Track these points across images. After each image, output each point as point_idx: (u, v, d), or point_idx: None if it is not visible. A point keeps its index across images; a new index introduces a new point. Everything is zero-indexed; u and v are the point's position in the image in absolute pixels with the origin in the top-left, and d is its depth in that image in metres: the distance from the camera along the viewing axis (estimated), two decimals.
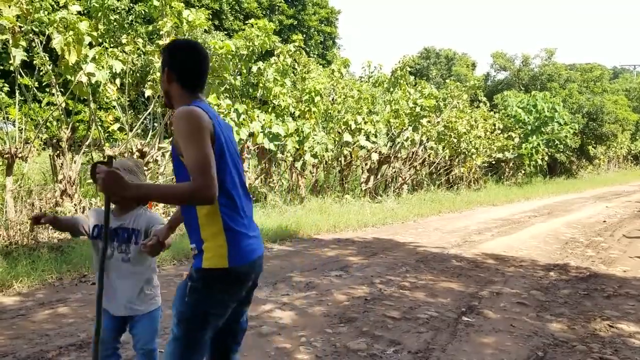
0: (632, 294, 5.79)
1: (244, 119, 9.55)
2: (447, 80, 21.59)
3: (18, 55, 6.58)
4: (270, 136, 9.87)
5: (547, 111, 21.53)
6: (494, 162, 20.59)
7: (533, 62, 29.48)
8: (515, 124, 21.38)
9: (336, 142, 11.95)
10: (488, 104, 21.59)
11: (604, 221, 12.33)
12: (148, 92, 8.43)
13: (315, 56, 23.85)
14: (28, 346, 3.94)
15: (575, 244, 9.24)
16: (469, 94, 18.39)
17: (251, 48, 9.96)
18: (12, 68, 7.21)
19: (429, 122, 14.72)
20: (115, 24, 9.19)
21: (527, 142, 21.41)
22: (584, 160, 29.81)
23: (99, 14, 8.92)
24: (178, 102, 2.32)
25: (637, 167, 41.17)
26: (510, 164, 22.31)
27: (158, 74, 8.31)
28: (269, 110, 10.92)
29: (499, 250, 8.37)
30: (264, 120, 9.86)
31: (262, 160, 11.46)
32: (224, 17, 20.43)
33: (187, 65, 2.32)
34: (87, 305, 5.03)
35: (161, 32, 8.98)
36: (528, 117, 21.42)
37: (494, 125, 19.75)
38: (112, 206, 2.93)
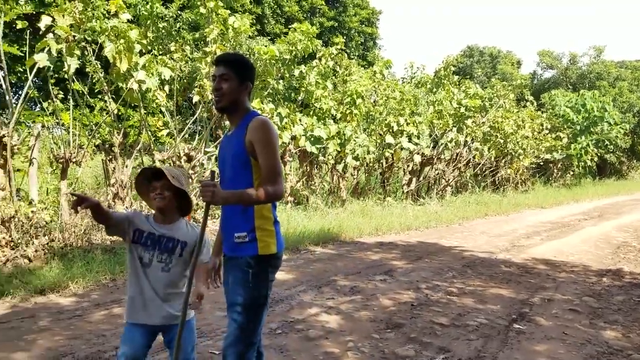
0: None
1: (286, 123, 9.63)
2: (492, 79, 21.18)
3: (73, 64, 6.83)
4: (312, 139, 9.92)
5: (597, 111, 20.83)
6: (541, 163, 20.08)
7: (581, 60, 28.59)
8: (564, 124, 20.80)
9: (378, 144, 11.89)
10: (535, 104, 21.08)
11: None
12: (196, 98, 8.60)
13: (355, 57, 23.78)
14: (86, 346, 4.08)
15: (628, 248, 8.92)
16: (515, 93, 17.97)
17: (294, 52, 10.03)
18: (66, 76, 7.49)
19: (474, 122, 14.46)
20: (163, 31, 9.43)
21: (576, 143, 20.80)
22: (635, 160, 28.73)
23: (148, 21, 9.19)
24: (241, 110, 2.65)
25: None
26: (558, 165, 21.72)
27: (205, 81, 8.48)
28: (311, 113, 10.98)
29: (549, 255, 8.16)
30: (306, 123, 9.91)
31: (304, 163, 11.53)
32: (266, 22, 20.62)
33: (254, 80, 2.72)
34: None
35: (207, 39, 9.16)
36: (577, 117, 20.79)
37: (542, 125, 19.26)
38: (152, 212, 2.99)
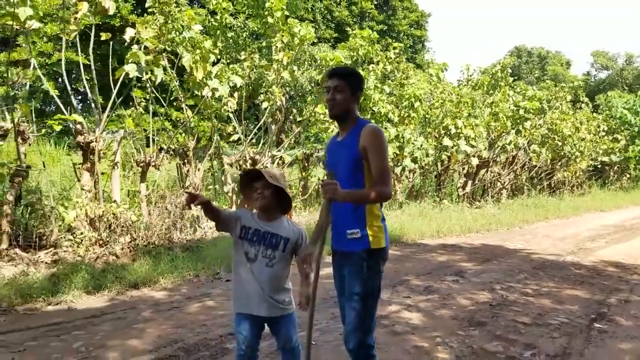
0: None
1: None
2: (548, 81, 20.86)
3: (159, 74, 7.27)
4: None
5: None
6: (598, 166, 19.65)
7: (637, 60, 27.76)
8: (621, 126, 20.29)
9: (435, 147, 11.98)
10: (590, 105, 20.66)
11: None
12: (265, 104, 8.94)
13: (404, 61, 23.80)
14: (192, 334, 4.41)
15: None
16: (571, 94, 17.68)
17: (355, 57, 10.27)
18: (148, 84, 7.96)
19: (532, 124, 14.36)
20: (230, 41, 9.83)
21: (634, 145, 20.26)
22: None
23: (217, 32, 9.61)
24: (352, 118, 2.94)
25: None
26: (615, 168, 21.18)
27: (274, 87, 8.81)
28: (368, 117, 11.17)
29: (618, 257, 8.10)
30: None
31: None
32: (317, 27, 20.98)
33: (363, 90, 3.05)
34: (230, 299, 5.50)
35: (273, 47, 9.51)
36: (634, 119, 20.25)
37: (598, 127, 18.87)
38: (254, 211, 3.23)
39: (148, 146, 8.36)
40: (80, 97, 19.04)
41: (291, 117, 9.83)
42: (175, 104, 8.71)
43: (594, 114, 20.01)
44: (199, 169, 9.03)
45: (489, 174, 14.77)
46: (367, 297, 2.80)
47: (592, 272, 7.08)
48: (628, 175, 22.06)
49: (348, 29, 22.89)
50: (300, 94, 10.10)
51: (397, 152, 10.57)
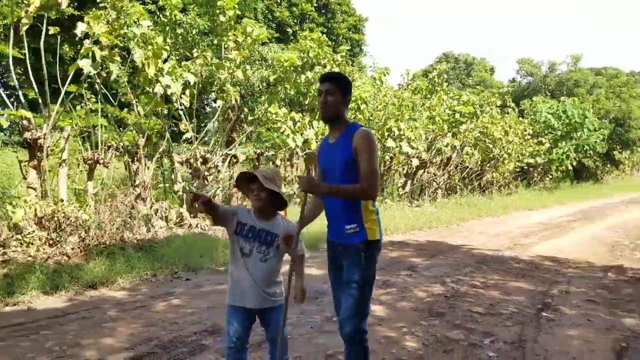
0: None
1: (298, 127, 10.01)
2: (478, 87, 21.92)
3: (115, 70, 7.10)
4: None
5: (577, 117, 21.79)
6: (525, 167, 20.88)
7: (559, 68, 29.70)
8: (545, 130, 21.67)
9: (379, 148, 12.36)
10: (516, 110, 21.91)
11: None
12: (219, 103, 8.92)
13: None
14: (165, 332, 4.42)
15: (621, 247, 9.57)
16: (500, 99, 18.71)
17: (305, 59, 10.43)
18: (97, 81, 7.75)
19: (466, 128, 15.10)
20: (180, 37, 9.72)
21: (557, 148, 21.69)
22: (610, 165, 29.94)
23: (167, 28, 9.48)
24: (342, 120, 3.13)
25: None
26: (539, 169, 22.58)
27: (228, 86, 8.82)
28: (316, 117, 11.37)
29: (551, 252, 8.74)
30: (317, 127, 10.31)
31: (309, 165, 11.92)
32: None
33: (351, 94, 3.23)
34: (195, 298, 5.51)
35: (225, 46, 9.51)
36: (557, 123, 21.69)
37: (525, 130, 20.08)
38: (250, 208, 3.36)
39: (97, 144, 8.13)
40: (22, 93, 18.01)
41: (242, 115, 9.84)
42: (124, 100, 8.50)
43: (520, 119, 21.25)
44: (148, 167, 8.88)
45: (426, 174, 15.39)
46: (364, 284, 3.00)
47: (530, 265, 7.62)
48: (550, 176, 23.56)
49: (289, 29, 23.06)
50: (250, 92, 10.13)
51: None
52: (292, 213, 9.03)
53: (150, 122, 8.78)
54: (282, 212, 3.51)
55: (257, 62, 10.14)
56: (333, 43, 22.29)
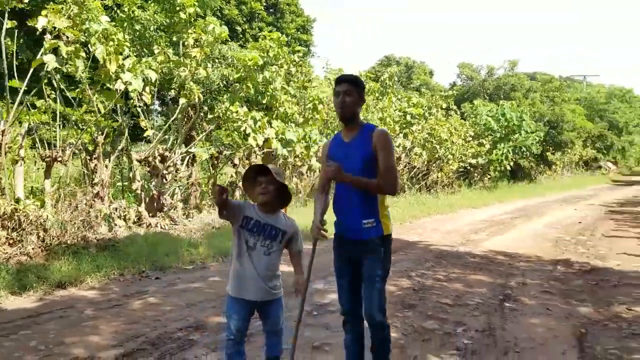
0: (635, 284, 6.69)
1: (259, 126, 10.07)
2: (421, 89, 22.61)
3: (81, 65, 6.93)
4: (283, 142, 10.44)
5: (515, 120, 22.90)
6: (467, 167, 21.73)
7: (497, 72, 31.08)
8: (485, 132, 22.64)
9: None
10: (458, 112, 22.78)
11: (580, 222, 13.45)
12: (181, 101, 8.85)
13: None
14: (150, 329, 4.43)
15: (564, 242, 10.21)
16: (446, 102, 19.43)
17: (265, 58, 10.50)
18: (56, 77, 7.54)
19: (416, 129, 15.60)
20: (137, 34, 9.58)
21: (497, 149, 22.70)
22: (543, 165, 31.58)
23: (124, 24, 9.31)
24: (357, 120, 3.35)
25: (588, 173, 43.60)
26: (479, 169, 23.56)
27: (191, 84, 8.77)
28: (274, 116, 11.47)
29: (501, 248, 9.23)
30: (277, 127, 10.41)
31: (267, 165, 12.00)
32: None
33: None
34: (171, 296, 5.51)
35: (185, 42, 9.45)
36: (497, 126, 22.72)
37: (467, 132, 20.91)
38: (253, 203, 3.47)
39: (55, 141, 7.90)
40: None
41: (202, 114, 9.79)
42: (82, 97, 8.29)
43: (463, 121, 22.13)
44: (106, 166, 8.70)
45: None
46: (385, 277, 3.26)
47: (485, 260, 8.05)
48: (489, 176, 24.64)
49: (238, 27, 22.90)
50: (209, 91, 10.09)
51: (304, 151, 10.97)
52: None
53: (108, 119, 8.60)
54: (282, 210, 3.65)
55: (217, 61, 10.11)
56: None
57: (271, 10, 26.10)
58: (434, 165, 19.17)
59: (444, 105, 19.17)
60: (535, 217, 14.66)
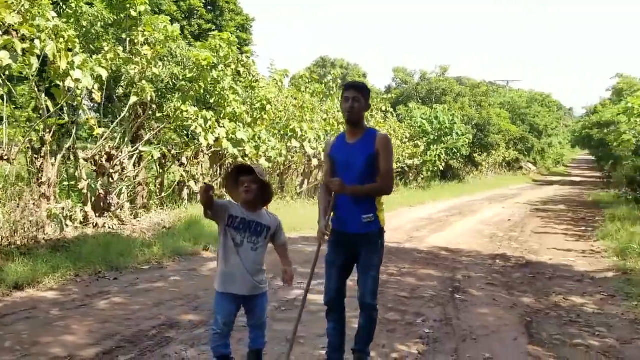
0: (567, 276, 7.36)
1: (209, 125, 10.09)
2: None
3: (35, 63, 6.73)
4: (234, 142, 10.51)
5: (448, 123, 23.96)
6: (404, 168, 22.51)
7: (430, 77, 32.27)
8: (420, 134, 23.54)
9: (286, 148, 12.79)
10: (394, 115, 23.54)
11: (509, 219, 14.38)
12: (133, 99, 8.75)
13: None
14: (124, 328, 4.47)
15: (498, 238, 10.94)
16: (385, 105, 20.06)
17: (215, 58, 10.51)
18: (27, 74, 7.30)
19: None
20: (84, 30, 9.36)
21: (431, 150, 23.67)
22: (471, 166, 33.13)
23: (71, 20, 9.08)
24: (362, 124, 3.65)
25: (511, 173, 46.05)
26: (413, 170, 24.46)
27: (144, 82, 8.70)
28: (222, 116, 11.49)
29: (443, 244, 9.77)
30: (228, 126, 10.46)
31: (214, 164, 12.01)
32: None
33: None
34: (135, 296, 5.52)
35: (135, 40, 9.34)
36: (431, 128, 23.69)
37: (404, 134, 21.67)
38: (236, 202, 3.63)
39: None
40: None
41: (150, 112, 9.67)
42: (29, 94, 8.03)
43: (399, 123, 22.90)
44: (53, 164, 8.46)
45: (320, 173, 16.12)
46: (380, 265, 3.69)
47: (431, 255, 8.53)
48: (422, 176, 25.63)
49: (176, 24, 22.55)
50: (158, 89, 9.97)
51: (254, 151, 11.08)
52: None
53: (56, 117, 8.37)
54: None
55: (166, 59, 10.03)
56: None
57: (210, 7, 25.89)
58: None
59: (384, 108, 19.77)
60: (469, 215, 15.48)
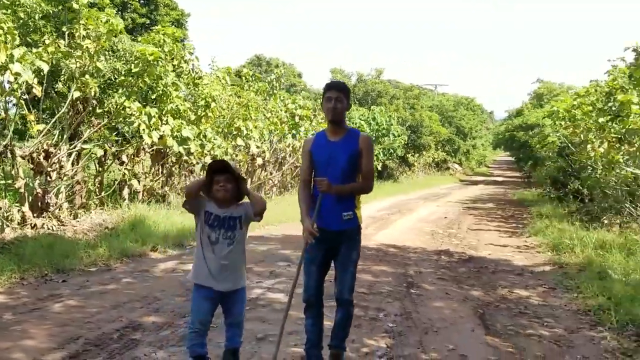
0: (508, 270, 7.77)
1: (154, 122, 9.83)
2: (304, 92, 23.22)
3: None
4: (180, 139, 10.29)
5: (385, 124, 24.54)
6: None
7: (366, 79, 32.89)
8: None
9: (232, 147, 12.65)
10: None
11: (445, 217, 14.95)
12: (76, 94, 8.39)
13: None
14: (86, 331, 4.32)
15: (438, 235, 11.37)
16: None
17: (161, 53, 10.22)
18: None
19: (305, 130, 16.11)
20: (21, 22, 8.88)
21: None
22: (404, 166, 34.08)
23: (8, 11, 8.58)
24: (344, 125, 3.74)
25: (439, 173, 47.71)
26: None
27: (87, 77, 8.36)
28: (163, 113, 11.22)
29: (389, 241, 10.03)
30: (173, 124, 10.23)
31: (156, 162, 11.70)
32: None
33: None
34: (90, 298, 5.32)
35: (77, 34, 8.97)
36: (369, 129, 24.17)
37: None
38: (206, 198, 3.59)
39: None
40: None
41: (90, 109, 9.27)
42: None
43: None
44: None
45: (264, 173, 16.05)
46: (357, 261, 3.80)
47: (381, 252, 8.74)
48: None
49: (118, 17, 21.73)
50: (99, 84, 9.56)
51: (199, 149, 10.88)
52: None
53: None
54: None
55: (106, 53, 9.65)
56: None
57: (144, 1, 25.10)
58: None
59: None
60: (407, 213, 15.94)
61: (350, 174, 3.64)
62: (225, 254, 3.47)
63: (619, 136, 10.91)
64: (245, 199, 3.53)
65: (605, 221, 11.73)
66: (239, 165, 13.09)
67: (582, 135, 11.83)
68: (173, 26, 26.30)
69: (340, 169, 3.61)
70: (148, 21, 23.21)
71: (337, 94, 3.60)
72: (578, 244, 8.62)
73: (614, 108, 11.89)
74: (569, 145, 14.41)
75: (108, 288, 5.81)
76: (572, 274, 7.32)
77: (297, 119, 15.12)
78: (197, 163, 11.80)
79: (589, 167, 12.77)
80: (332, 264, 3.85)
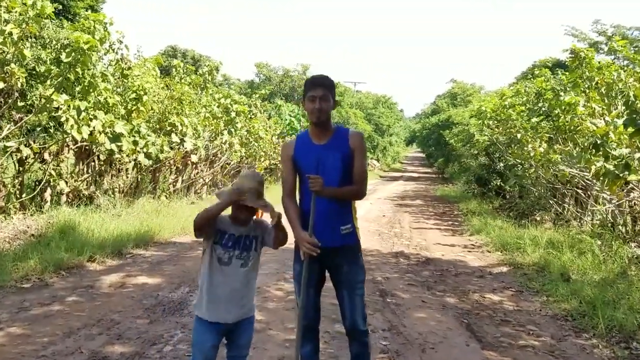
0: (468, 272, 7.69)
1: (84, 117, 8.87)
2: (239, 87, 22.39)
3: None
4: (112, 136, 9.36)
5: None
6: (275, 165, 22.29)
7: (292, 74, 32.51)
8: (290, 131, 23.54)
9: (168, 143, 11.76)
10: (262, 111, 23.23)
11: (384, 215, 14.89)
12: (0, 85, 7.31)
13: None
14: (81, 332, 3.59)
15: (385, 235, 11.19)
16: (257, 100, 19.57)
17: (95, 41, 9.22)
18: None
19: (241, 126, 15.42)
20: None
21: None
22: None
23: None
24: (330, 125, 3.24)
25: None
26: (280, 166, 24.43)
27: (13, 65, 7.31)
28: (90, 105, 10.20)
29: None
30: (104, 119, 9.28)
31: (81, 161, 10.64)
32: None
33: None
34: (34, 324, 4.54)
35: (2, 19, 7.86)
36: (299, 125, 23.82)
37: (275, 130, 21.47)
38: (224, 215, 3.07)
39: None
40: None
41: (10, 101, 8.13)
42: None
43: (269, 120, 22.63)
44: None
45: (194, 170, 15.20)
46: (364, 281, 3.33)
47: None
48: None
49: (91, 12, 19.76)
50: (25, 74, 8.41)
51: (132, 146, 9.95)
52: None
53: None
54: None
55: (30, 40, 8.53)
56: (69, 22, 19.96)
57: None
58: (246, 162, 19.20)
59: (258, 104, 19.34)
60: None
61: (348, 178, 3.20)
62: (236, 278, 2.98)
63: (550, 135, 11.31)
64: (260, 212, 3.03)
65: (538, 218, 12.18)
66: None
67: (518, 135, 12.12)
68: (88, 12, 24.64)
69: (334, 174, 3.15)
70: (61, 7, 21.39)
71: (323, 92, 3.11)
72: (530, 243, 8.73)
73: (544, 109, 12.39)
74: (496, 143, 14.88)
75: (53, 310, 5.01)
76: (531, 275, 7.37)
77: (233, 114, 14.39)
78: (129, 162, 10.85)
79: (519, 165, 13.20)
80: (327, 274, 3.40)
